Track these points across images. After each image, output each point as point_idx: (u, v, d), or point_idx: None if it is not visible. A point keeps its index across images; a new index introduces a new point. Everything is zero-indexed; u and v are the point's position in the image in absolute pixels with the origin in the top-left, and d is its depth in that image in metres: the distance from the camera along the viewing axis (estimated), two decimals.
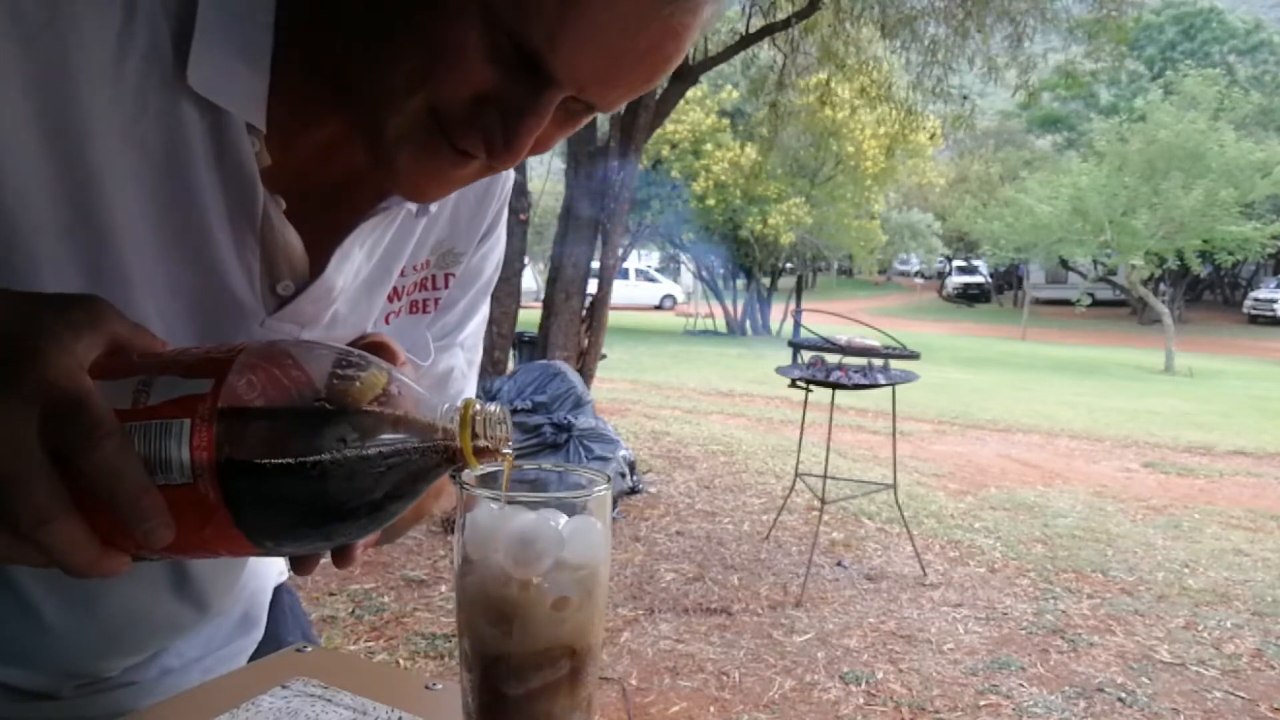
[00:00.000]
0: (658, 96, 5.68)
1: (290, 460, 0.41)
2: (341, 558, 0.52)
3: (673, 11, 0.49)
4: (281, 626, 0.94)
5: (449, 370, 0.80)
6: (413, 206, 0.66)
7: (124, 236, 0.54)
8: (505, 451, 0.49)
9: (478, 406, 0.47)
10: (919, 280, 39.37)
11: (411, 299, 0.74)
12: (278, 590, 0.96)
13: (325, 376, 0.45)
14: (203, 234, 0.57)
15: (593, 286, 6.04)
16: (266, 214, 0.58)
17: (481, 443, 0.47)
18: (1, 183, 0.50)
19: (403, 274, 0.71)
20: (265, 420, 0.42)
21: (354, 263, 0.64)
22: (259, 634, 0.92)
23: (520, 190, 5.84)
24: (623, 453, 4.96)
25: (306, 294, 0.62)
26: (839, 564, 4.19)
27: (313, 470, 0.42)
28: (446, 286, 0.76)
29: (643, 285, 27.34)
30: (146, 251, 0.56)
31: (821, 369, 4.03)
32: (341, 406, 0.44)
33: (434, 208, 0.68)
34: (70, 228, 0.53)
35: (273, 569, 0.96)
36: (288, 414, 0.43)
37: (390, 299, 0.71)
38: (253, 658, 0.90)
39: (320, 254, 0.62)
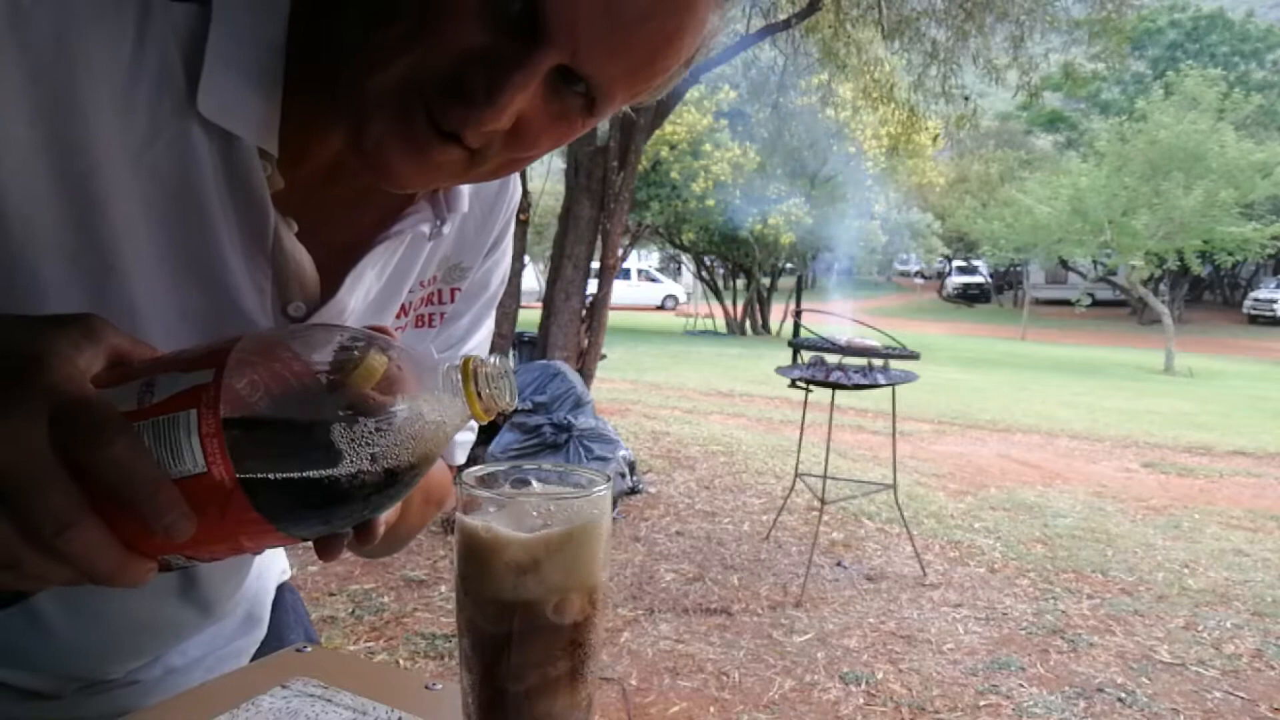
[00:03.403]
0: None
1: (301, 436, 0.42)
2: (364, 533, 0.51)
3: None
4: (284, 625, 0.94)
5: None
6: (425, 228, 0.65)
7: (131, 262, 0.54)
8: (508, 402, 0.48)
9: (478, 361, 0.47)
10: (919, 280, 39.38)
11: (418, 313, 0.74)
12: (280, 589, 0.97)
13: (327, 353, 0.45)
14: (214, 257, 0.57)
15: (593, 286, 6.04)
16: (278, 236, 0.58)
17: (486, 393, 0.47)
18: (7, 209, 0.50)
19: (410, 290, 0.71)
20: (272, 399, 0.42)
21: (365, 284, 0.64)
22: (262, 633, 0.92)
23: (519, 185, 5.83)
24: (623, 453, 4.96)
25: (318, 315, 0.62)
26: (839, 564, 4.18)
27: (323, 444, 0.42)
28: (452, 300, 0.76)
29: (645, 285, 27.36)
30: (156, 277, 0.56)
31: (821, 369, 4.03)
32: (345, 379, 0.44)
33: (446, 228, 0.67)
34: (76, 254, 0.53)
35: (275, 568, 0.96)
36: (294, 392, 0.43)
37: (397, 315, 0.71)
38: (255, 657, 0.90)
39: (332, 274, 0.62)
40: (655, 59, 0.51)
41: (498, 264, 0.79)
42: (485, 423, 0.48)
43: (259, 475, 0.41)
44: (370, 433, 0.43)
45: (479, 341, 0.82)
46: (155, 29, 0.51)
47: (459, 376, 0.46)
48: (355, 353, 0.45)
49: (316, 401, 0.43)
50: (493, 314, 0.83)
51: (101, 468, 0.39)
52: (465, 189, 0.67)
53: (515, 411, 4.67)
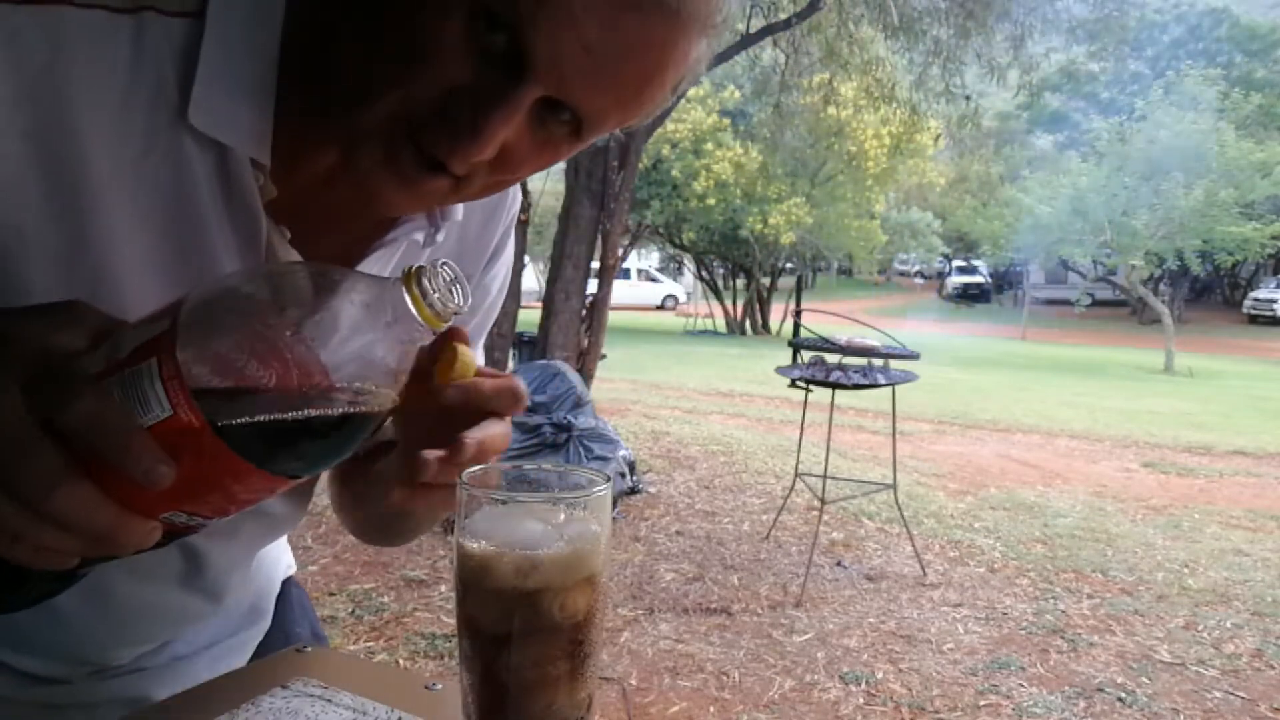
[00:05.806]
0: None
1: (259, 369, 0.42)
2: (415, 469, 0.53)
3: (649, 11, 0.49)
4: (289, 619, 0.95)
5: None
6: (419, 236, 0.66)
7: (125, 271, 0.55)
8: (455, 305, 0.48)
9: (419, 265, 0.47)
10: (919, 280, 39.38)
11: None
12: (285, 583, 0.98)
13: (277, 286, 0.46)
14: (209, 266, 0.58)
15: (593, 286, 6.04)
16: (271, 244, 0.59)
17: (433, 296, 0.46)
18: None
19: None
20: (228, 337, 0.42)
21: None
22: (266, 624, 0.93)
23: (520, 190, 5.83)
24: (623, 453, 4.96)
25: None
26: (839, 564, 4.19)
27: (281, 374, 0.42)
28: None
29: (645, 285, 27.40)
30: (150, 285, 0.56)
31: (821, 369, 4.03)
32: (297, 308, 0.44)
33: (440, 236, 0.68)
34: (69, 263, 0.53)
35: (280, 562, 0.97)
36: (248, 327, 0.43)
37: None
38: (261, 648, 0.91)
39: None
40: (641, 92, 0.53)
41: (499, 272, 0.80)
42: (442, 329, 0.47)
43: (224, 411, 0.42)
44: (326, 355, 0.43)
45: (477, 348, 0.82)
46: (150, 44, 0.52)
47: (402, 285, 0.46)
48: (306, 282, 0.45)
49: (271, 332, 0.43)
50: (491, 322, 0.85)
51: (74, 424, 0.40)
52: None
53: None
